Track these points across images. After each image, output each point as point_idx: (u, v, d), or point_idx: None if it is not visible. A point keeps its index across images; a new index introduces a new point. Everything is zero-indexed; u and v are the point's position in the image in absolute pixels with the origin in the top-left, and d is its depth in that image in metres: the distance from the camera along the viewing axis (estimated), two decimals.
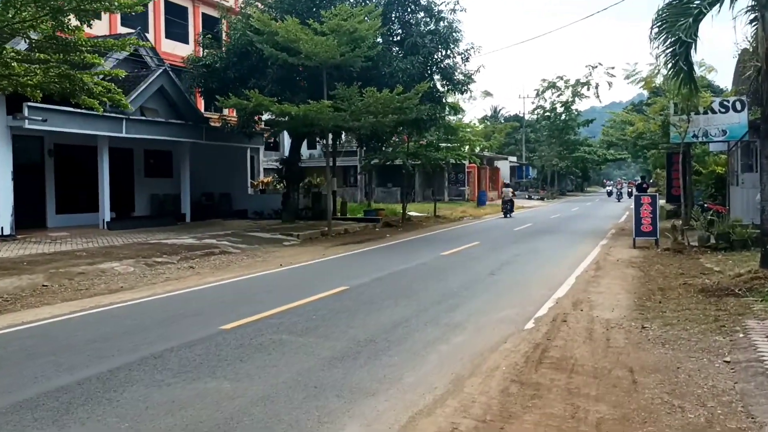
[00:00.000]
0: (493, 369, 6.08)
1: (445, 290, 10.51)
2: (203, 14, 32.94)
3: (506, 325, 8.03)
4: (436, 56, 24.02)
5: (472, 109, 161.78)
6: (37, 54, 10.70)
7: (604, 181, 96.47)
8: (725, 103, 18.99)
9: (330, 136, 24.07)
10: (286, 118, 21.06)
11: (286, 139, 33.61)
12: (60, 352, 6.74)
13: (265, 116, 25.26)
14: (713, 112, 18.93)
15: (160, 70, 23.34)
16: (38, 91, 11.38)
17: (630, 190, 59.31)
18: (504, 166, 65.00)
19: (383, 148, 27.99)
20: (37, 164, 22.01)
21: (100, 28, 27.38)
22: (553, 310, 8.94)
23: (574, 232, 22.96)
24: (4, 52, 10.00)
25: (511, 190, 33.87)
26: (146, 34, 29.57)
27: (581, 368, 6.09)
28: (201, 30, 29.05)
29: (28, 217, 21.23)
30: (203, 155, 27.56)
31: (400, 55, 22.96)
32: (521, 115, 76.47)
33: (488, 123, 70.72)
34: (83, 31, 10.44)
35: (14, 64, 10.02)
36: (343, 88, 20.04)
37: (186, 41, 31.64)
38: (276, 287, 11.40)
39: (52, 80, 11.06)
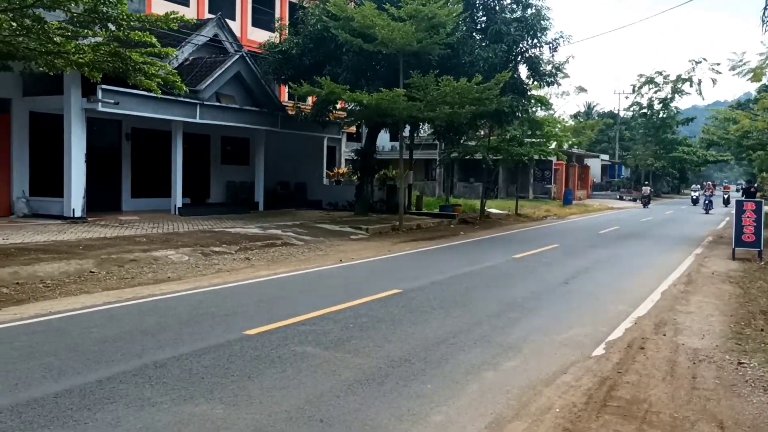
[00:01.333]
0: (543, 410, 4.98)
1: (507, 300, 9.38)
2: (290, 2, 32.59)
3: (570, 349, 6.84)
4: (521, 45, 22.59)
5: (566, 105, 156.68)
6: (80, 30, 10.26)
7: (703, 183, 79.25)
8: None
9: (407, 126, 23.14)
10: (359, 108, 20.23)
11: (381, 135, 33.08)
12: (62, 353, 6.11)
13: (342, 105, 24.60)
14: None
15: (237, 56, 23.02)
16: (96, 72, 11.00)
17: (726, 195, 48.71)
18: (595, 165, 62.23)
19: (461, 141, 26.75)
20: (114, 147, 22.15)
21: (187, 13, 27.46)
22: (630, 332, 7.66)
23: (665, 238, 21.09)
24: (47, 25, 9.60)
25: (649, 188, 41.17)
26: (228, 21, 29.51)
27: (656, 417, 4.89)
28: (288, 17, 28.62)
29: (104, 199, 21.40)
30: (280, 144, 27.23)
31: (483, 44, 21.67)
32: (616, 111, 73.14)
33: (581, 120, 67.98)
34: (125, 4, 9.93)
35: (58, 38, 9.62)
36: (418, 76, 19.01)
37: (272, 29, 31.26)
38: (326, 286, 10.57)
39: (104, 59, 10.63)
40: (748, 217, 15.25)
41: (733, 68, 17.80)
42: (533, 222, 28.38)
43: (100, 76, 11.65)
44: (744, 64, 17.85)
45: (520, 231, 23.36)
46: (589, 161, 59.50)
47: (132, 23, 10.38)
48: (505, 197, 42.89)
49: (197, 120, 21.31)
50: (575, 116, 73.09)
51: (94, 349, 6.29)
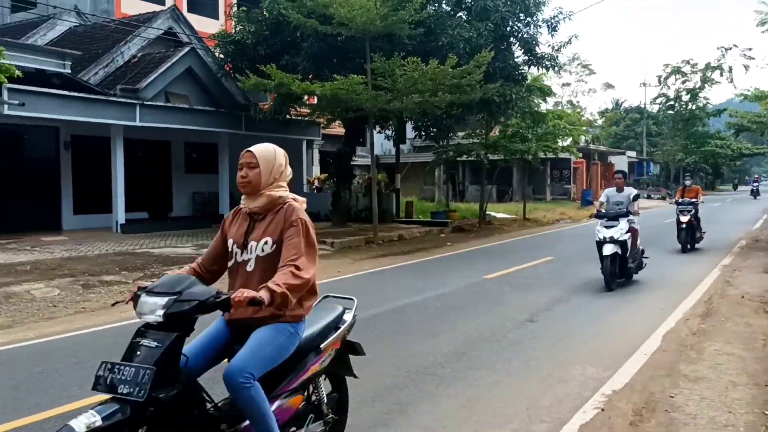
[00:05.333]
0: None
1: (425, 359, 6.26)
2: None
3: None
4: (512, 24, 19.41)
5: (592, 102, 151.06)
6: None
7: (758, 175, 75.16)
8: None
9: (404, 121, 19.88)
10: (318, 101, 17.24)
11: (376, 135, 29.67)
12: None
13: (312, 101, 21.56)
14: None
15: (186, 49, 20.21)
16: None
17: (756, 186, 53.57)
18: (620, 162, 58.15)
19: (445, 139, 23.54)
20: (51, 158, 19.45)
21: (129, 6, 24.89)
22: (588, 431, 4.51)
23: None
24: None
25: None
26: (210, 19, 26.83)
27: None
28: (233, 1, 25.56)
29: (42, 217, 18.79)
30: None
31: (464, 23, 18.48)
32: (643, 106, 68.98)
33: (606, 114, 64.08)
34: None
35: None
36: (381, 60, 15.94)
37: (215, 16, 28.19)
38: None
39: None
40: None
41: (762, 22, 14.33)
42: (542, 227, 25.07)
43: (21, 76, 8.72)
44: None
45: (519, 239, 20.10)
46: (613, 158, 55.55)
47: None
48: (520, 200, 39.53)
49: (137, 123, 18.50)
50: (603, 113, 69.28)
51: None
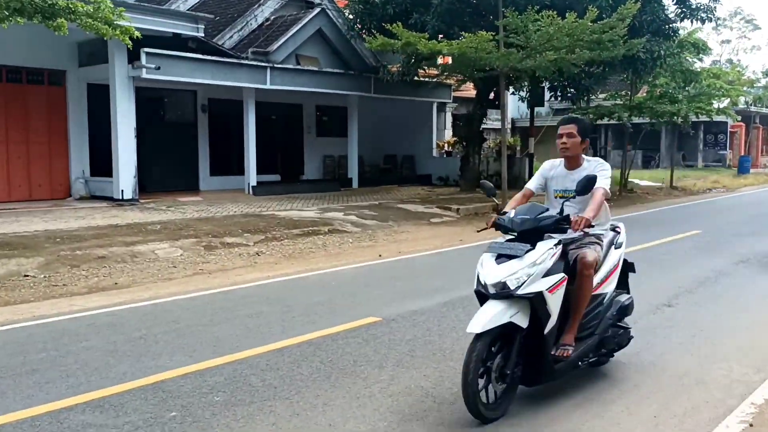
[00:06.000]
0: None
1: None
2: None
3: None
4: None
5: (755, 61, 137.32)
6: None
7: None
8: None
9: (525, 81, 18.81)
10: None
11: (511, 99, 28.53)
12: None
13: (446, 61, 20.78)
14: None
15: (317, 10, 20.05)
16: (16, 18, 8.50)
17: None
18: None
19: (586, 99, 21.92)
20: (190, 121, 20.17)
21: None
22: None
23: None
24: None
25: None
26: None
27: None
28: None
29: (181, 178, 19.63)
30: (383, 112, 23.99)
31: None
32: None
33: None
34: None
35: None
36: (513, 15, 14.90)
37: None
38: (284, 304, 7.27)
39: None
40: None
41: None
42: (691, 196, 23.04)
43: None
44: None
45: (662, 210, 18.50)
46: None
47: None
48: (668, 166, 36.73)
49: (267, 86, 18.68)
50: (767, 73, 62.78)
51: None
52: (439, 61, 19.87)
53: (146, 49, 15.70)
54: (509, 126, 36.01)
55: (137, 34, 9.72)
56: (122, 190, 16.23)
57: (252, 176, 19.13)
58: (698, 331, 6.08)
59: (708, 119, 28.24)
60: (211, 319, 6.54)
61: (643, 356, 5.34)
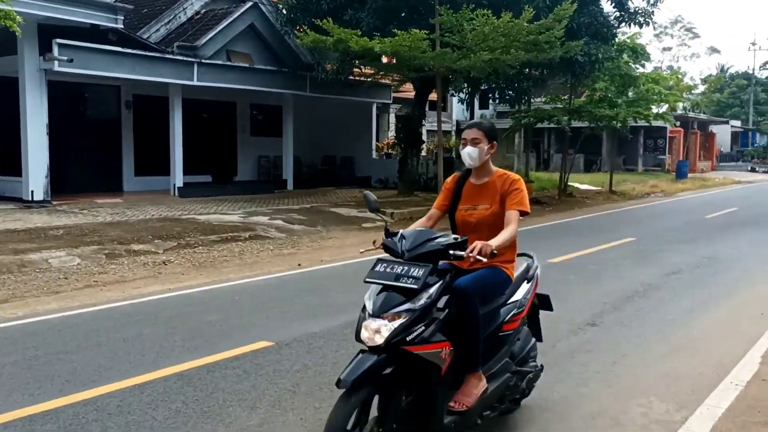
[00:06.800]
0: None
1: None
2: None
3: None
4: None
5: (693, 67, 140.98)
6: None
7: None
8: None
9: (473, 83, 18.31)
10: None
11: (455, 100, 28.01)
12: None
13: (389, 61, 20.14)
14: None
15: (248, 4, 19.19)
16: None
17: None
18: (723, 132, 53.90)
19: (517, 104, 21.59)
20: (113, 119, 19.04)
21: None
22: None
23: None
24: None
25: None
26: None
27: None
28: None
29: (104, 179, 18.51)
30: (320, 112, 23.16)
31: None
32: (750, 71, 63.61)
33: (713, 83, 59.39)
34: None
35: None
36: (448, 13, 14.36)
37: None
38: (170, 325, 6.49)
39: None
40: None
41: None
42: (629, 201, 22.98)
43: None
44: None
45: (598, 215, 18.26)
46: (715, 128, 51.40)
47: None
48: (609, 170, 36.97)
49: (195, 82, 17.72)
50: (705, 80, 64.37)
51: None
52: (384, 60, 19.21)
53: (59, 40, 14.68)
54: (454, 128, 35.79)
55: (19, 19, 8.77)
56: (32, 191, 15.10)
57: (178, 177, 18.15)
58: (620, 357, 5.54)
59: (647, 124, 28.37)
60: (79, 344, 5.71)
61: (555, 390, 4.74)
